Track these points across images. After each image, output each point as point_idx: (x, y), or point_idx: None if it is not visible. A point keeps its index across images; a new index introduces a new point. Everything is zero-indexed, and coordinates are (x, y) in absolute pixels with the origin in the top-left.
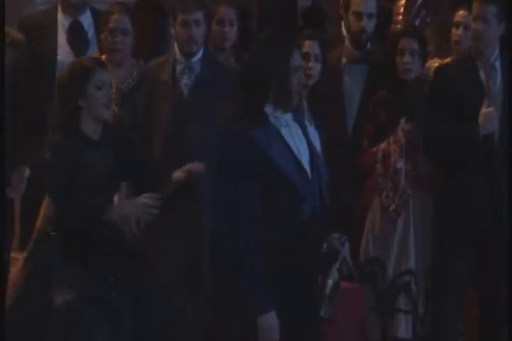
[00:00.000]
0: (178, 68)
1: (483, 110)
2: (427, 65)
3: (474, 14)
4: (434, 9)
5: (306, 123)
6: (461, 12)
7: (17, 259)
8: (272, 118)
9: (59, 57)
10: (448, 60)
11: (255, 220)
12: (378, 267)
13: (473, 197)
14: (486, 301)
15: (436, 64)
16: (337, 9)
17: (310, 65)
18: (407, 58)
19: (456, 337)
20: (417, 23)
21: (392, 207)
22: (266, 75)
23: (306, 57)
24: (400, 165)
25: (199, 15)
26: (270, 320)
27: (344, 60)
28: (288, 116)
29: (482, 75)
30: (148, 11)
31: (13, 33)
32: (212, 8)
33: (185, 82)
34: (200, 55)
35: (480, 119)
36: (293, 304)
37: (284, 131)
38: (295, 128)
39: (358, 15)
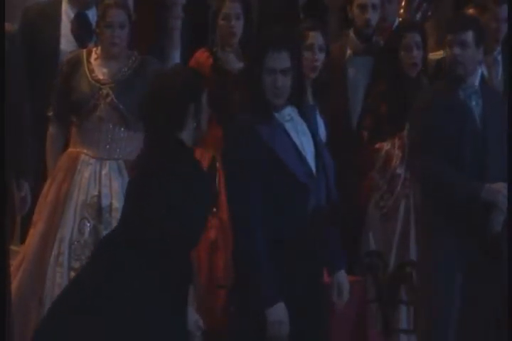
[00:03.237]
0: None
1: None
2: (430, 57)
3: (497, 15)
4: (435, 3)
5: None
6: (472, 11)
7: (17, 252)
8: (275, 113)
9: (62, 47)
10: None
11: (262, 217)
12: (378, 259)
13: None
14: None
15: (439, 57)
16: (338, 1)
17: (315, 56)
18: (415, 53)
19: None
20: (417, 17)
21: (384, 210)
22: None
23: (310, 48)
24: (400, 171)
25: None
26: (278, 313)
27: (349, 51)
28: (292, 111)
29: (484, 69)
30: (148, 5)
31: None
32: (218, 3)
33: None
34: None
35: None
36: (297, 299)
37: (288, 126)
38: (300, 123)
39: (363, 8)
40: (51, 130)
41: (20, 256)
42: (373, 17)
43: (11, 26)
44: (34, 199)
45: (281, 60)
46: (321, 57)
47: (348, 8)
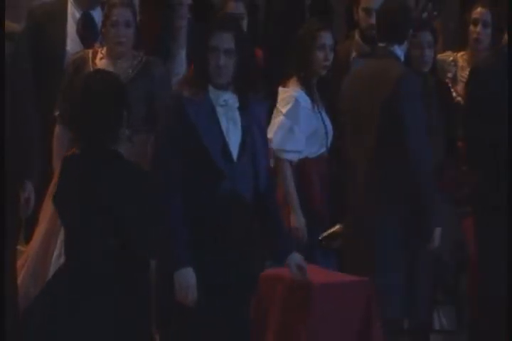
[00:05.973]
0: None
1: None
2: (439, 57)
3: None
4: (441, 3)
5: (319, 110)
6: (479, 9)
7: (22, 252)
8: (211, 95)
9: (68, 48)
10: (482, 57)
11: (180, 184)
12: None
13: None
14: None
15: (451, 58)
16: (343, 2)
17: (327, 56)
18: (427, 51)
19: None
20: (423, 17)
21: None
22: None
23: (322, 48)
24: None
25: None
26: (186, 278)
27: (354, 53)
28: (230, 98)
29: None
30: (154, 5)
31: (8, 24)
32: (222, 3)
33: None
34: None
35: None
36: (217, 281)
37: (219, 110)
38: (233, 111)
39: (367, 11)
40: (57, 130)
41: (25, 256)
42: None
43: (16, 27)
44: (41, 199)
45: (225, 40)
46: (331, 56)
47: (354, 10)
